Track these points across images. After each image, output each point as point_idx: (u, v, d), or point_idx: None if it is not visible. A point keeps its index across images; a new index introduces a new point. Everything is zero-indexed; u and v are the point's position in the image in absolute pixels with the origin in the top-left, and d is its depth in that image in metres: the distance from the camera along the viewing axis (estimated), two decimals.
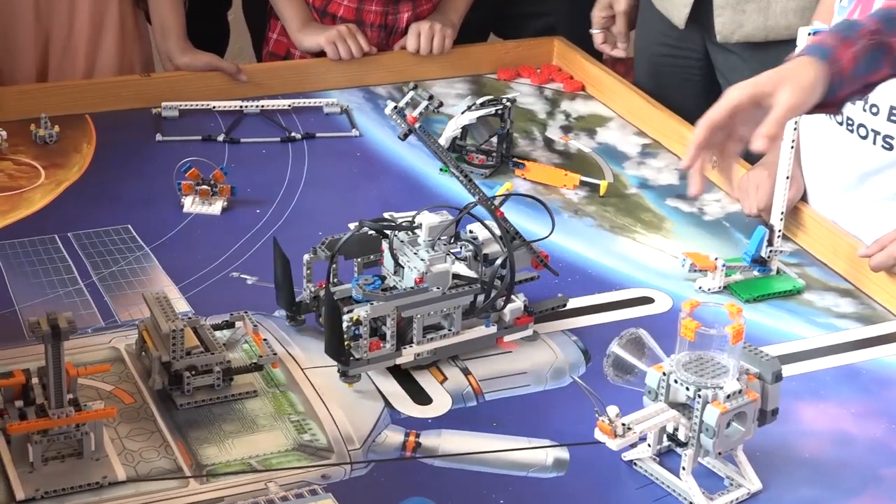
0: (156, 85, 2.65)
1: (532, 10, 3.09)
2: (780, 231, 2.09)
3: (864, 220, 2.16)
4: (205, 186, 2.25)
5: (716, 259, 2.07)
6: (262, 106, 2.64)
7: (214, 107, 2.62)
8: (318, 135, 2.55)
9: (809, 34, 1.85)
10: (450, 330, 1.85)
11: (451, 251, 1.85)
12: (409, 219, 1.86)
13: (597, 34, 2.93)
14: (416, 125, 1.94)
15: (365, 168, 2.44)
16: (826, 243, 2.19)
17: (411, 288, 1.81)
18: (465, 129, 2.43)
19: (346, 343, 1.77)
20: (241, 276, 2.06)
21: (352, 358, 1.78)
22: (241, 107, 2.63)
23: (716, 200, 2.36)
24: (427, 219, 1.84)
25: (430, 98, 1.95)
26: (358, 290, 1.82)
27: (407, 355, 1.82)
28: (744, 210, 2.27)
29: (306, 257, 1.89)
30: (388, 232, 1.85)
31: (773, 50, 2.48)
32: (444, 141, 2.41)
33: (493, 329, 1.89)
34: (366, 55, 2.77)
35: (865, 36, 1.64)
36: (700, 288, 2.07)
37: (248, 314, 1.86)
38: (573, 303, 2.00)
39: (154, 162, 2.42)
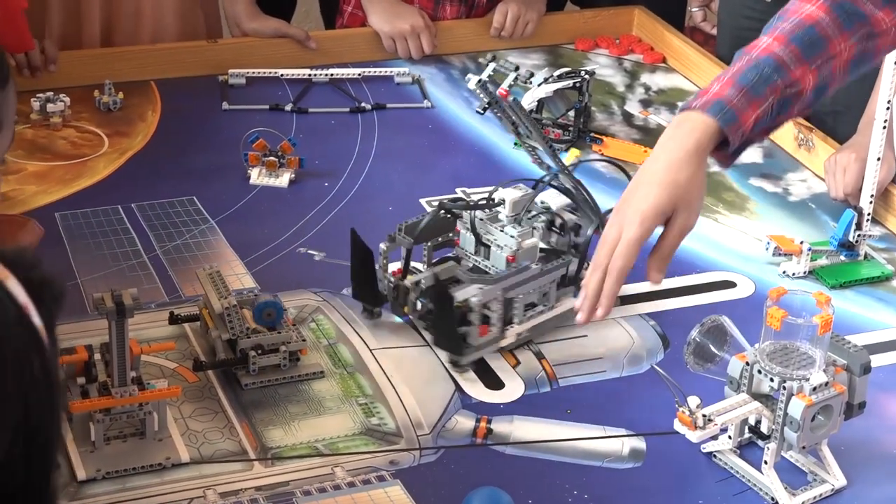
0: (222, 51, 2.61)
1: None
2: (869, 214, 2.04)
3: None
4: (272, 158, 2.21)
5: (801, 242, 2.02)
6: (332, 75, 2.59)
7: (282, 75, 2.58)
8: (388, 105, 2.50)
9: None
10: (545, 305, 1.82)
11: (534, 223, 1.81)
12: (486, 196, 1.80)
13: (696, 12, 2.94)
14: (510, 98, 1.88)
15: (437, 141, 2.39)
16: None
17: (510, 268, 1.76)
18: (542, 102, 2.37)
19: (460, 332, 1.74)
20: (309, 251, 2.01)
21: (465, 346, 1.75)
22: (309, 75, 2.58)
23: (801, 180, 2.30)
24: (509, 194, 1.79)
25: (517, 69, 1.89)
26: None
27: (510, 336, 1.78)
28: (829, 193, 2.21)
29: (382, 246, 1.80)
30: (462, 211, 1.79)
31: None
32: None
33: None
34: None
35: (777, 91, 1.51)
36: (784, 272, 2.02)
37: (277, 296, 1.79)
38: (651, 285, 1.93)
39: (220, 131, 2.38)
